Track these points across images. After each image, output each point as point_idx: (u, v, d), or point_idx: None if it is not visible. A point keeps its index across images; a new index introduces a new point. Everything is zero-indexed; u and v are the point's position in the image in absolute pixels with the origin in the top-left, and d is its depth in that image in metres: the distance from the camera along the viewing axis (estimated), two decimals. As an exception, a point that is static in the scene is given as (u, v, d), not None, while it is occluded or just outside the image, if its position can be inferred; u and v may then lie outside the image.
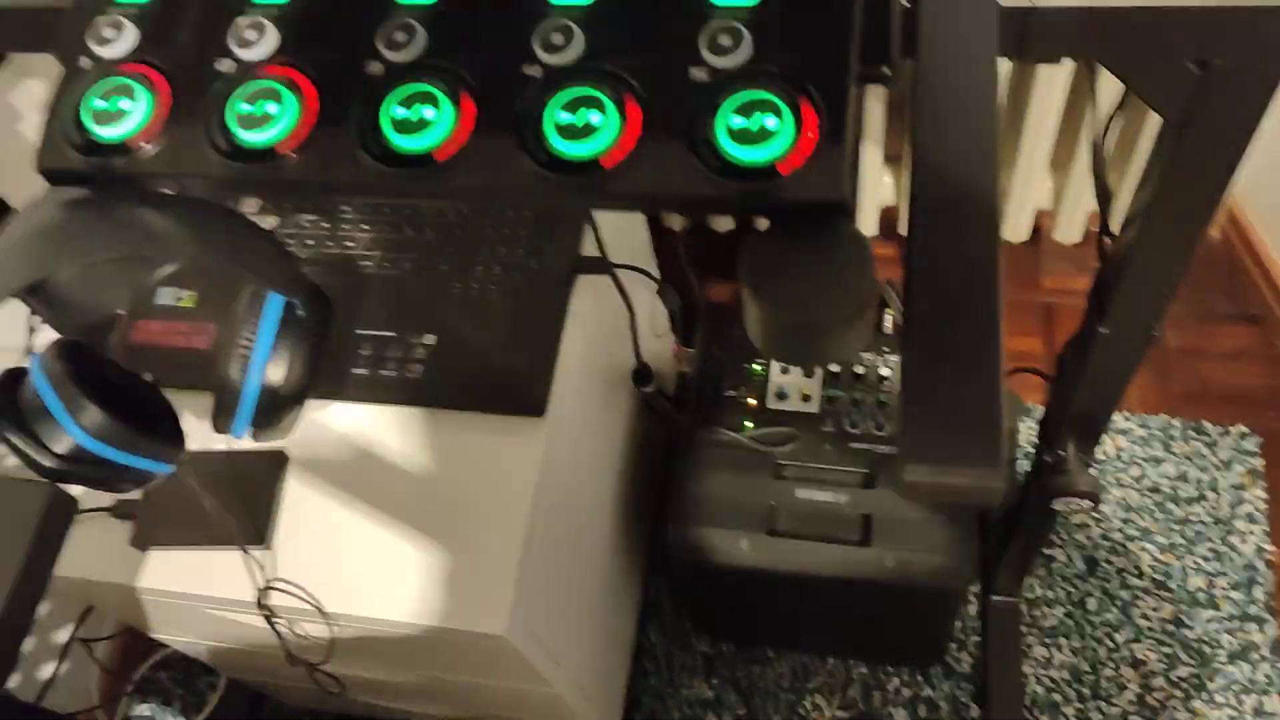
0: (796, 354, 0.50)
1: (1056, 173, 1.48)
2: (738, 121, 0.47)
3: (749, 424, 1.24)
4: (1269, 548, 1.44)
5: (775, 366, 1.27)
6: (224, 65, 0.53)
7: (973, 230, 0.48)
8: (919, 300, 0.47)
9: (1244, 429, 1.51)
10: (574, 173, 0.48)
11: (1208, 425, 1.53)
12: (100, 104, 0.53)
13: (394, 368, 0.96)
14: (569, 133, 0.48)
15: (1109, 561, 1.47)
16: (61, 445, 0.60)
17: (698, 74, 0.49)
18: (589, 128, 0.48)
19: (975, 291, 0.47)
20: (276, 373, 0.64)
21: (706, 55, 0.49)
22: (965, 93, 0.53)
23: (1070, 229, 1.50)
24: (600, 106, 0.48)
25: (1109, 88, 0.68)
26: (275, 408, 0.65)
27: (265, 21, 0.54)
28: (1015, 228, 1.53)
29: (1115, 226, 0.80)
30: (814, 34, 0.49)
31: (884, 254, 1.69)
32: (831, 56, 0.48)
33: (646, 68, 0.49)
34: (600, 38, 0.50)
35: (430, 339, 0.97)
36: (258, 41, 0.53)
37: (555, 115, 0.49)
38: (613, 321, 1.11)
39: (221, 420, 0.66)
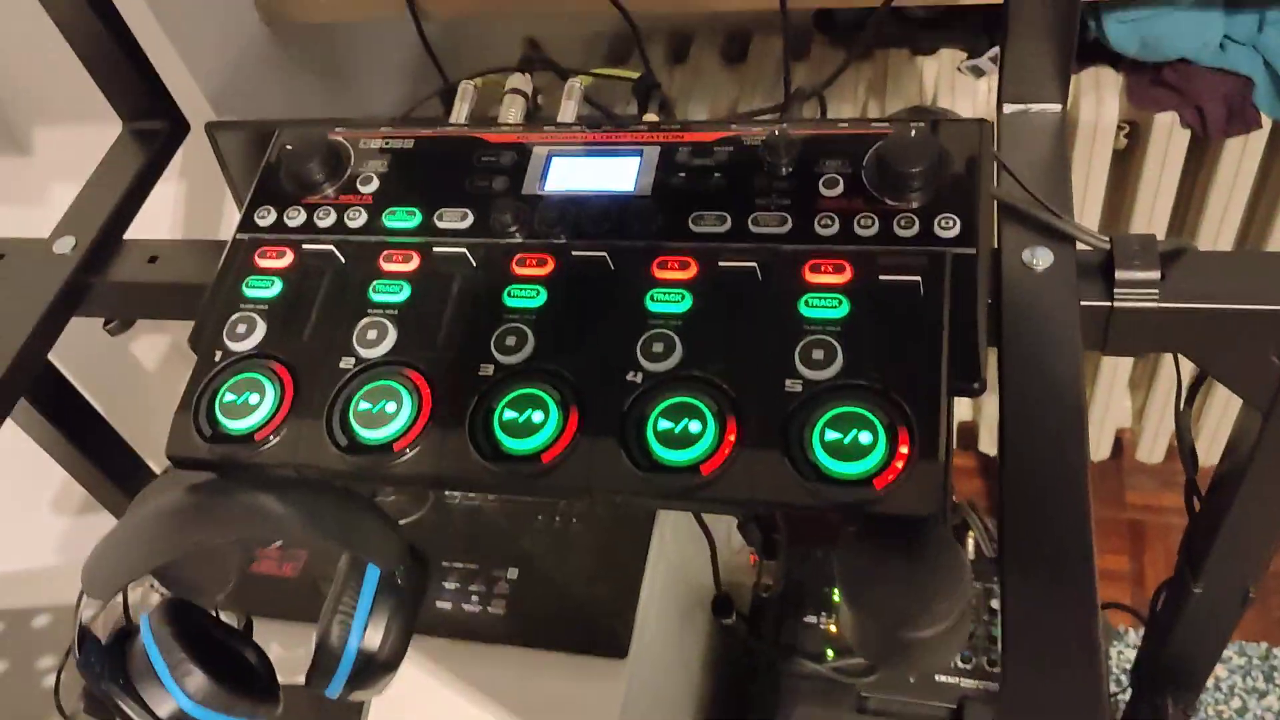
0: (893, 660, 0.51)
1: (1136, 392, 1.47)
2: (831, 435, 0.49)
3: (831, 652, 1.21)
4: (1389, 793, 1.35)
5: (855, 592, 1.26)
6: (345, 362, 0.57)
7: (1065, 548, 0.49)
8: (1016, 607, 0.48)
9: (1351, 661, 1.44)
10: (672, 476, 0.51)
11: (1312, 655, 1.46)
12: (230, 397, 0.57)
13: (477, 602, 0.97)
14: (669, 440, 0.50)
15: (1213, 802, 1.38)
16: (165, 710, 0.62)
17: (792, 385, 0.51)
18: (688, 436, 0.50)
19: (1073, 597, 0.48)
20: (374, 639, 0.65)
21: (801, 368, 0.51)
22: (1051, 385, 0.55)
23: (1153, 449, 1.49)
24: (700, 416, 0.51)
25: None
26: (371, 672, 0.66)
27: (385, 322, 0.58)
28: (1096, 445, 1.52)
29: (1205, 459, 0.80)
30: (904, 350, 0.51)
31: (964, 465, 1.68)
32: (923, 373, 0.50)
33: (743, 378, 0.52)
34: (697, 347, 0.53)
35: (513, 573, 0.98)
36: (378, 341, 0.57)
37: (656, 422, 0.51)
38: (692, 549, 1.12)
39: (318, 680, 0.68)
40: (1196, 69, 0.94)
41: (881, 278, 0.52)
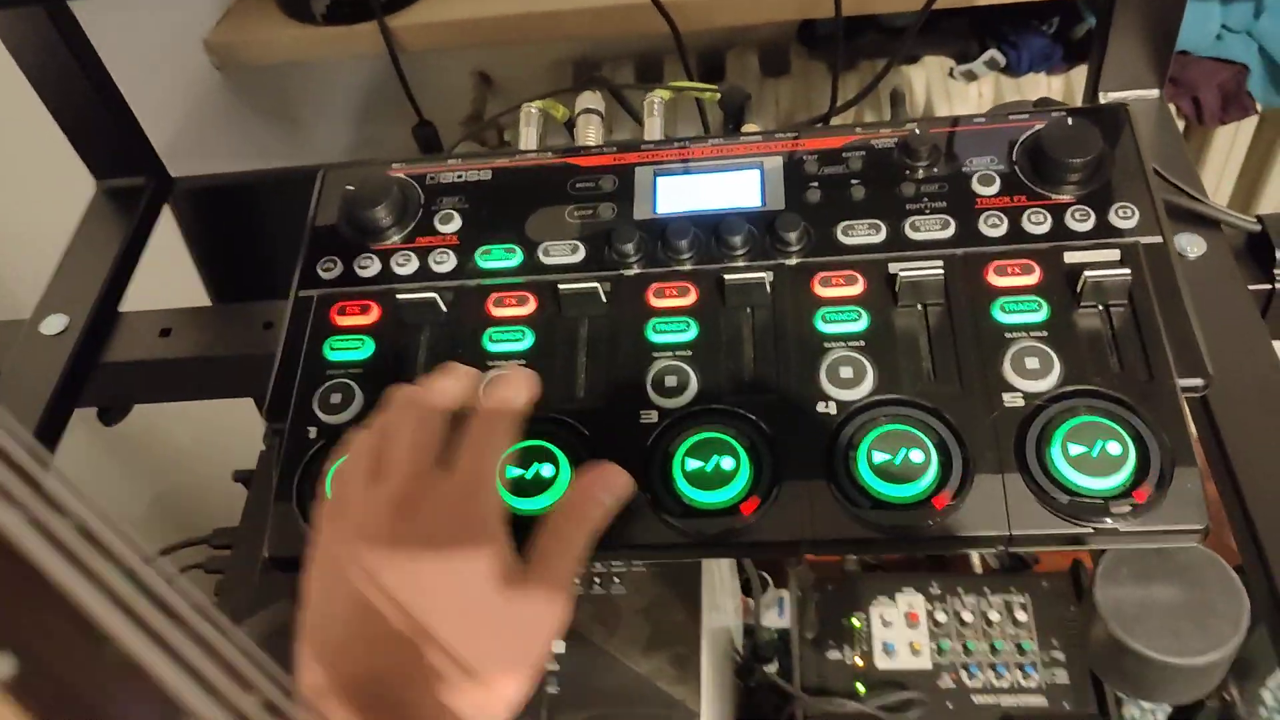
0: (1151, 689, 0.46)
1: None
2: (1076, 449, 0.44)
3: (861, 687, 1.16)
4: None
5: (875, 619, 1.21)
6: (473, 423, 0.49)
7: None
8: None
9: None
10: (893, 514, 0.45)
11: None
12: (341, 478, 0.48)
13: (524, 682, 0.88)
14: (888, 474, 0.45)
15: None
16: None
17: (1012, 400, 0.46)
18: (910, 467, 0.45)
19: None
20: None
21: (1015, 379, 0.46)
22: (1254, 376, 0.52)
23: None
24: (920, 445, 0.45)
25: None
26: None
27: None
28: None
29: None
30: (1124, 350, 0.47)
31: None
32: (1155, 374, 0.46)
33: (951, 399, 0.46)
34: (888, 369, 0.48)
35: (561, 646, 0.90)
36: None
37: (870, 455, 0.45)
38: (722, 598, 1.06)
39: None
40: (1191, 59, 0.95)
41: (1087, 274, 0.48)
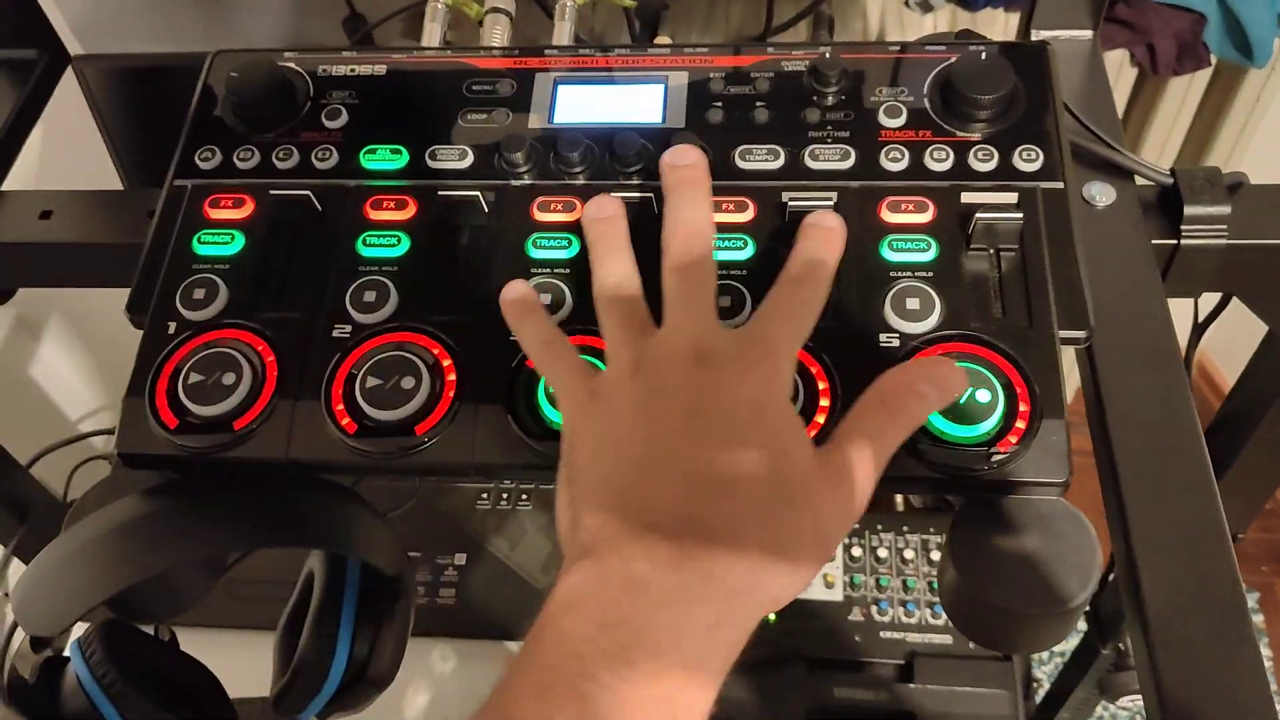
0: (999, 639, 0.46)
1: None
2: (944, 395, 0.43)
3: (771, 617, 1.18)
4: (1280, 708, 1.42)
5: (793, 552, 1.22)
6: (340, 330, 0.48)
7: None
8: (1151, 576, 0.44)
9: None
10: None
11: (1206, 583, 1.52)
12: (196, 377, 0.46)
13: (424, 594, 0.88)
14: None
15: None
16: (115, 754, 0.52)
17: (888, 340, 0.45)
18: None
19: (1208, 558, 0.44)
20: (366, 651, 0.56)
21: (893, 319, 0.45)
22: (1143, 333, 0.51)
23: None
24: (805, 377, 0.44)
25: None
26: (360, 690, 0.57)
27: (384, 280, 0.48)
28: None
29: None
30: (1008, 296, 0.46)
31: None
32: (1034, 322, 0.45)
33: (831, 333, 0.45)
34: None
35: (461, 559, 0.89)
36: (378, 304, 0.48)
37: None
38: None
39: (293, 700, 0.58)
40: (1150, 4, 0.92)
41: (979, 216, 0.46)
